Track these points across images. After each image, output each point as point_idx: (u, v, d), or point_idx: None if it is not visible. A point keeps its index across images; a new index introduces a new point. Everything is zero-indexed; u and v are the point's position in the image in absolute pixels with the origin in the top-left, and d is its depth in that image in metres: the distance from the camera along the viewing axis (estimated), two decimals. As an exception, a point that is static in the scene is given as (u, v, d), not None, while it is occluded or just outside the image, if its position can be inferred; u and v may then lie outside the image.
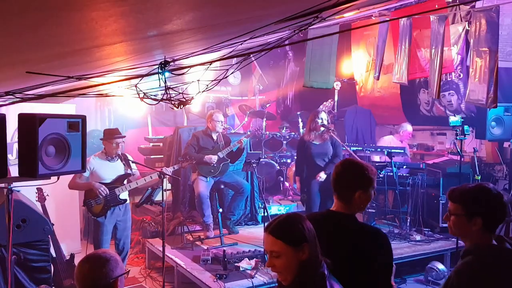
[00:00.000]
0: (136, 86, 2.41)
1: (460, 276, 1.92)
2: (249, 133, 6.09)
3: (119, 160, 4.61)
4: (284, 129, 7.60)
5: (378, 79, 6.12)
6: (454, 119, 5.21)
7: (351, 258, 1.98)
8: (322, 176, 5.10)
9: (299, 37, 5.42)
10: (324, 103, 7.36)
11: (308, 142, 5.15)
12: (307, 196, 5.17)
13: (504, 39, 5.16)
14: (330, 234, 1.99)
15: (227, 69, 2.59)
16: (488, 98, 4.30)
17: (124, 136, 4.72)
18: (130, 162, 4.67)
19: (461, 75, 6.17)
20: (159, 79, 2.17)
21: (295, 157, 5.37)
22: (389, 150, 5.87)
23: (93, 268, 1.97)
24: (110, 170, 4.55)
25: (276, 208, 6.55)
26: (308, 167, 5.19)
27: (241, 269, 4.47)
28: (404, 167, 5.92)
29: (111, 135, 4.53)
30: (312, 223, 1.80)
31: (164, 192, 4.75)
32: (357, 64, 8.05)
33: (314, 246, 1.72)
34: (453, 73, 6.24)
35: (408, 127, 6.49)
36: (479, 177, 5.39)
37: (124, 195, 4.61)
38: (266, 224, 1.86)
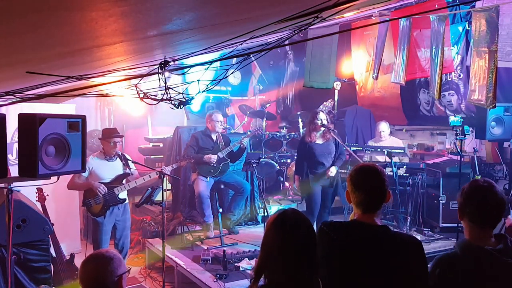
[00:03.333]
0: (136, 86, 2.41)
1: (438, 264, 1.96)
2: (249, 133, 6.09)
3: (118, 159, 4.61)
4: (284, 129, 7.60)
5: (376, 79, 6.12)
6: (454, 119, 5.20)
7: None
8: (333, 171, 5.16)
9: (299, 37, 5.42)
10: (324, 103, 7.35)
11: (311, 143, 5.15)
12: (309, 196, 5.18)
13: (504, 39, 5.15)
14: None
15: (227, 69, 2.59)
16: (487, 98, 4.30)
17: (122, 136, 4.72)
18: (129, 162, 4.68)
19: (461, 75, 6.17)
20: (159, 79, 2.17)
21: (295, 157, 5.35)
22: (389, 150, 5.87)
23: (99, 267, 1.97)
24: (109, 169, 4.55)
25: (276, 208, 6.55)
26: (311, 167, 5.19)
27: (241, 269, 4.47)
28: (404, 167, 5.91)
29: (109, 134, 4.53)
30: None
31: (164, 192, 4.76)
32: (357, 64, 8.05)
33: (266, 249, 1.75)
34: (453, 73, 6.24)
35: (380, 126, 6.40)
36: (479, 177, 5.38)
37: (123, 194, 4.61)
38: None
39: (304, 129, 5.83)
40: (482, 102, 4.40)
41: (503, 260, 1.87)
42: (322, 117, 5.16)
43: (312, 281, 1.70)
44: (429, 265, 2.03)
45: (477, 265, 1.90)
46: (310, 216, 5.15)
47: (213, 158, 5.42)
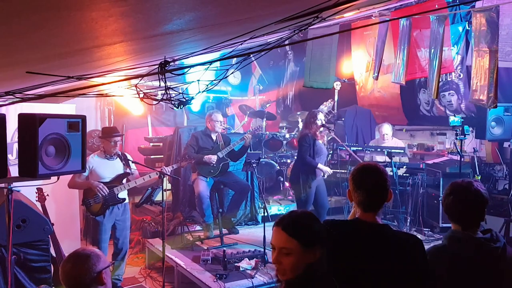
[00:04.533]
0: (136, 86, 2.41)
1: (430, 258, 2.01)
2: (249, 132, 6.08)
3: (118, 159, 4.61)
4: (284, 129, 7.60)
5: (377, 79, 6.12)
6: (454, 119, 5.21)
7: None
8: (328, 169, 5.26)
9: (299, 37, 5.42)
10: (324, 103, 7.36)
11: (317, 141, 5.18)
12: (305, 195, 5.19)
13: (504, 39, 5.16)
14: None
15: (227, 69, 2.58)
16: (488, 98, 4.31)
17: (122, 134, 4.72)
18: (130, 162, 4.68)
19: (461, 75, 6.18)
20: (159, 79, 2.17)
21: (306, 155, 5.12)
22: (389, 150, 5.87)
23: (75, 266, 2.01)
24: (109, 169, 4.55)
25: (276, 208, 6.56)
26: (306, 165, 5.18)
27: (241, 269, 4.47)
28: (404, 167, 5.91)
29: (109, 133, 4.54)
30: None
31: (164, 192, 4.75)
32: (357, 64, 8.05)
33: (324, 249, 1.65)
34: (453, 73, 6.25)
35: (383, 128, 6.38)
36: (479, 177, 5.39)
37: (122, 194, 4.61)
38: (278, 218, 1.70)
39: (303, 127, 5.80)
40: (483, 102, 4.40)
41: (489, 245, 1.94)
42: (321, 117, 5.20)
43: (329, 280, 1.70)
44: None
45: (465, 251, 1.97)
46: None
47: (213, 158, 5.42)
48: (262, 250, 4.71)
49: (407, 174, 5.85)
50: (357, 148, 6.25)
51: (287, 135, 7.45)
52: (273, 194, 7.14)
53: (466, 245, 1.97)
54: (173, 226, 5.79)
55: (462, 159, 5.19)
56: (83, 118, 2.53)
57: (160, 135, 7.55)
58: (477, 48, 4.44)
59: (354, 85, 8.10)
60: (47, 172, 2.35)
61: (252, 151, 6.54)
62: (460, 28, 5.97)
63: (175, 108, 2.47)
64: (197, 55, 2.84)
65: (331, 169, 5.37)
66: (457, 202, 2.01)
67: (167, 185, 6.10)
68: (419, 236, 5.39)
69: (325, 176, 5.27)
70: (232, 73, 3.46)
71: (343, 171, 6.26)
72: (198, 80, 2.58)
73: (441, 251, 2.01)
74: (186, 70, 2.30)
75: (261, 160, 6.48)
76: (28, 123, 2.28)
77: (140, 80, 2.34)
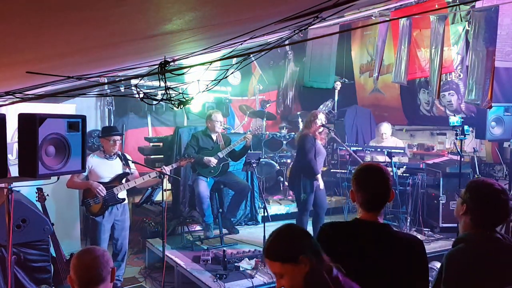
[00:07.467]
0: (136, 86, 2.41)
1: (452, 261, 1.98)
2: (249, 132, 6.08)
3: (117, 158, 4.60)
4: (284, 129, 7.60)
5: (377, 79, 6.12)
6: (454, 119, 5.20)
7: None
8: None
9: (299, 37, 5.42)
10: (324, 103, 7.35)
11: (316, 141, 5.16)
12: (305, 196, 5.18)
13: (503, 39, 5.15)
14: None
15: (227, 69, 2.58)
16: (483, 98, 4.30)
17: (122, 134, 4.71)
18: (129, 162, 4.67)
19: (461, 75, 6.18)
20: (159, 79, 2.17)
21: (309, 155, 4.99)
22: (389, 150, 5.87)
23: (96, 258, 2.04)
24: (108, 168, 4.55)
25: (276, 208, 6.55)
26: (308, 166, 5.17)
27: (241, 269, 4.47)
28: (404, 167, 5.91)
29: (108, 132, 4.54)
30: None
31: (164, 192, 4.76)
32: (357, 64, 8.05)
33: (314, 254, 1.67)
34: (453, 73, 6.25)
35: (382, 128, 6.37)
36: (479, 177, 5.38)
37: (122, 194, 4.60)
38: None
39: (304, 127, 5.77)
40: (478, 102, 4.40)
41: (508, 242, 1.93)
42: (322, 117, 5.18)
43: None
44: (432, 265, 2.05)
45: (486, 249, 1.94)
46: (305, 215, 5.15)
47: (213, 161, 5.42)
48: (262, 250, 4.70)
49: (407, 174, 5.85)
50: (357, 148, 6.25)
51: (287, 135, 7.45)
52: (273, 194, 7.14)
53: (486, 242, 1.97)
54: (173, 226, 5.79)
55: (462, 159, 5.19)
56: (83, 118, 2.53)
57: (160, 135, 7.54)
58: (474, 48, 4.44)
59: (354, 85, 8.10)
60: (47, 172, 2.35)
61: (252, 151, 6.54)
62: (460, 28, 5.96)
63: (175, 108, 2.47)
64: (197, 55, 2.84)
65: (331, 169, 5.36)
66: (489, 206, 1.99)
67: (167, 185, 6.09)
68: (419, 236, 5.43)
69: (321, 187, 5.17)
70: (232, 73, 3.46)
71: (343, 171, 6.26)
72: (198, 80, 2.58)
73: (463, 252, 1.98)
74: (186, 70, 2.30)
75: (261, 160, 6.48)
76: (28, 123, 2.28)
77: (140, 80, 2.34)
